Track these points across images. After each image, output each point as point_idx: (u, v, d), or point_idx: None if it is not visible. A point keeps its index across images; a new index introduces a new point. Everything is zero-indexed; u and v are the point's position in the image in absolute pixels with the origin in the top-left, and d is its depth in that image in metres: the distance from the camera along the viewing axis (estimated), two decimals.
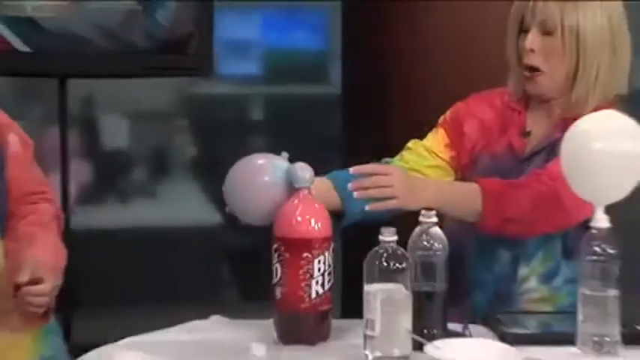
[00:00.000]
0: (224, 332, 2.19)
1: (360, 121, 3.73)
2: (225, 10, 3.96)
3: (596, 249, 1.99)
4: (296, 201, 2.10)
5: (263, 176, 2.16)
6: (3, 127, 2.40)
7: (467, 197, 2.26)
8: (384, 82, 3.56)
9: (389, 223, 2.01)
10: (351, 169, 2.19)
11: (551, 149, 2.32)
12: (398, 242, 1.98)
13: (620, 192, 2.04)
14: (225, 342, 2.10)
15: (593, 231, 2.00)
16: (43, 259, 2.31)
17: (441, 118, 2.50)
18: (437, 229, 2.06)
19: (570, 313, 2.07)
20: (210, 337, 2.15)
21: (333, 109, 4.11)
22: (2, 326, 2.28)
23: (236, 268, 4.91)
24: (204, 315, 2.28)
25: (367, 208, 2.17)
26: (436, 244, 2.05)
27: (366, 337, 1.98)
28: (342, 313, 2.43)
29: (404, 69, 3.50)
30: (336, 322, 2.14)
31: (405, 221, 2.12)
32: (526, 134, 2.40)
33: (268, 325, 2.13)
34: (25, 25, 3.50)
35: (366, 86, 3.69)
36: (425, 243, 2.04)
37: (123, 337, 2.14)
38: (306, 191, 2.11)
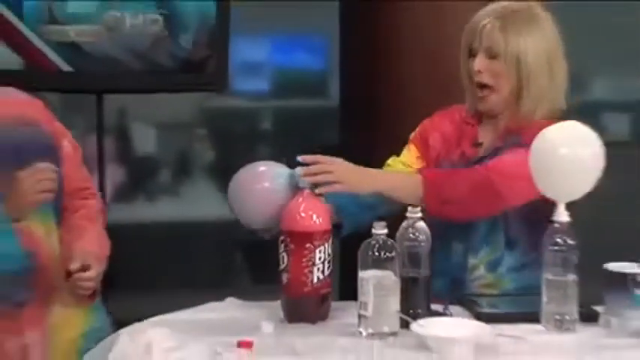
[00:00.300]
0: (238, 312, 2.18)
1: (356, 129, 3.71)
2: (238, 35, 3.94)
3: (558, 240, 1.99)
4: (300, 199, 2.09)
5: (263, 182, 2.15)
6: (59, 135, 2.45)
7: (408, 184, 2.23)
8: (375, 96, 3.55)
9: (380, 218, 2.00)
10: (300, 157, 2.14)
11: (494, 154, 2.32)
12: (388, 234, 1.98)
13: (579, 191, 2.03)
14: (238, 320, 2.09)
15: (556, 225, 2.00)
16: (91, 249, 2.35)
17: (412, 134, 2.50)
18: (421, 223, 2.04)
19: (535, 294, 2.06)
20: (226, 316, 2.15)
21: (332, 120, 4.09)
22: (58, 302, 2.31)
23: (248, 257, 4.89)
24: (220, 297, 2.27)
25: (316, 191, 2.12)
26: (421, 236, 2.03)
27: (360, 316, 1.97)
28: (340, 296, 2.42)
29: (393, 85, 3.49)
30: (334, 304, 2.13)
31: (395, 216, 2.12)
32: (478, 145, 2.39)
33: (276, 306, 2.12)
34: (68, 49, 3.51)
35: (360, 100, 3.68)
36: (411, 235, 2.03)
37: (152, 316, 2.13)
38: (308, 191, 2.10)
